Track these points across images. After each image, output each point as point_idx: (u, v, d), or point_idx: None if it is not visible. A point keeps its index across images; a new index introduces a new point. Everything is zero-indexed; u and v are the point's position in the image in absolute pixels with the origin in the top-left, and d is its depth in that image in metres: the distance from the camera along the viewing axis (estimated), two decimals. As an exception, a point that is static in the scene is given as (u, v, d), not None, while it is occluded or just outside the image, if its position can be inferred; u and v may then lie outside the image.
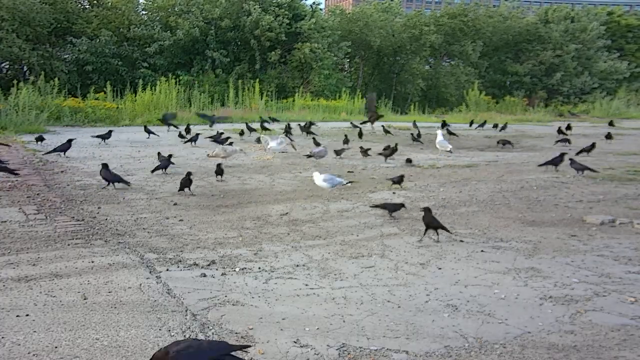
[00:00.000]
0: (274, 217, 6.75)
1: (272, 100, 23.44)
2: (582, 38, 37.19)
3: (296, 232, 6.12)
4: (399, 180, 8.39)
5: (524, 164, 11.23)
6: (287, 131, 14.31)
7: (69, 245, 5.30)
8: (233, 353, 3.07)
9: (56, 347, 3.33)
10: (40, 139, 11.76)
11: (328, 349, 3.46)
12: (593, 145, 12.34)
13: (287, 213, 6.95)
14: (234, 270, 4.81)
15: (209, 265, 4.92)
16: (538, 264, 5.18)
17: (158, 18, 27.43)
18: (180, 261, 4.99)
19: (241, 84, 23.59)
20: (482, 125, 18.86)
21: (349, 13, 33.00)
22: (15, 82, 16.85)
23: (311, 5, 29.13)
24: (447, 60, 36.35)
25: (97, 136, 12.68)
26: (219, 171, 8.79)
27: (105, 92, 20.04)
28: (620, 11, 44.34)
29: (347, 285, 4.55)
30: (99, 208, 6.83)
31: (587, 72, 36.64)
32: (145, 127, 14.28)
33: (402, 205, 6.82)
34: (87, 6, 27.39)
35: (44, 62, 23.22)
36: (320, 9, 30.78)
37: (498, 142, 14.44)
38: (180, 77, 24.36)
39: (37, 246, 5.22)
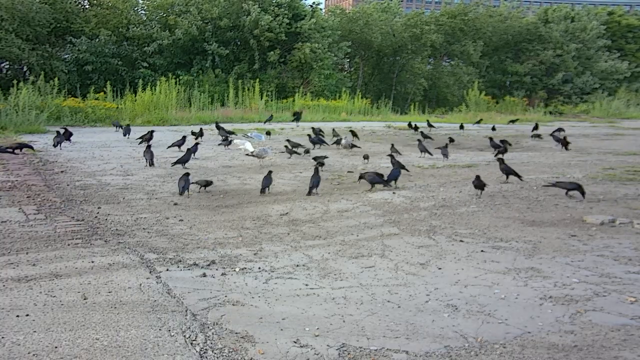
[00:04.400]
0: (274, 217, 6.75)
1: (272, 100, 23.44)
2: (582, 38, 37.21)
3: (296, 232, 6.12)
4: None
5: (523, 164, 11.23)
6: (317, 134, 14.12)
7: (69, 245, 5.30)
8: None
9: (56, 347, 3.33)
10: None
11: (328, 349, 3.46)
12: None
13: (287, 213, 6.95)
14: (234, 270, 4.81)
15: (209, 265, 4.92)
16: (538, 264, 5.18)
17: (157, 17, 27.44)
18: (180, 261, 4.99)
19: (241, 84, 23.60)
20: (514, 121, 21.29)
21: (348, 13, 33.00)
22: (15, 82, 16.84)
23: (311, 5, 29.12)
24: (448, 60, 36.36)
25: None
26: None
27: (105, 92, 20.04)
28: (620, 11, 44.34)
29: (347, 285, 4.55)
30: (99, 208, 6.83)
31: (589, 72, 36.66)
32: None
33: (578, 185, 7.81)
34: (87, 6, 27.38)
35: (43, 62, 23.22)
36: (320, 9, 30.77)
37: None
38: (180, 77, 24.37)
39: (37, 246, 5.22)
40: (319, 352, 3.41)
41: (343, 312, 4.01)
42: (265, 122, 18.03)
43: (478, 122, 20.60)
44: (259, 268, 4.90)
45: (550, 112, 28.48)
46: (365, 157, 10.93)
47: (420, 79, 32.35)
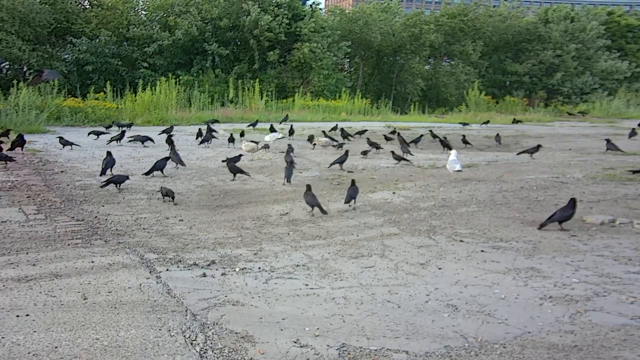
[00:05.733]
0: (274, 217, 6.75)
1: (271, 100, 23.45)
2: (581, 38, 37.21)
3: (296, 232, 6.12)
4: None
5: (524, 163, 11.23)
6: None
7: (69, 245, 5.30)
8: None
9: (56, 347, 3.33)
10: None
11: (328, 349, 3.46)
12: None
13: (287, 213, 6.95)
14: (234, 270, 4.81)
15: (209, 265, 4.92)
16: (538, 264, 5.18)
17: (157, 18, 27.46)
18: (180, 261, 4.99)
19: (241, 84, 23.60)
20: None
21: (348, 13, 33.00)
22: (15, 82, 16.85)
23: (310, 5, 29.13)
24: (447, 60, 36.34)
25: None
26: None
27: (105, 92, 20.05)
28: (620, 11, 44.33)
29: (347, 285, 4.55)
30: (99, 208, 6.83)
31: (588, 72, 36.66)
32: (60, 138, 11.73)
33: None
34: (87, 6, 27.41)
35: (43, 63, 23.23)
36: (320, 9, 30.78)
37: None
38: (180, 77, 24.38)
39: (37, 246, 5.22)
40: (319, 352, 3.41)
41: (343, 312, 4.01)
42: (280, 123, 18.01)
43: (486, 123, 20.62)
44: (259, 268, 4.90)
45: (569, 113, 28.46)
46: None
47: (419, 79, 32.35)
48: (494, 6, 40.09)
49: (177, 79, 23.28)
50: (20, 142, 10.65)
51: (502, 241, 5.89)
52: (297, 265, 5.00)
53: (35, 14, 23.06)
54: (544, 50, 35.95)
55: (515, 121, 22.37)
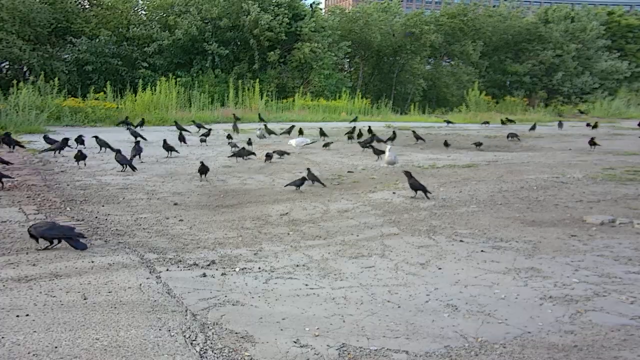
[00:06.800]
0: (274, 217, 6.75)
1: (272, 100, 23.45)
2: (581, 38, 37.22)
3: (296, 232, 6.12)
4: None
5: (523, 164, 11.23)
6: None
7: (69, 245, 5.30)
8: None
9: (56, 347, 3.33)
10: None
11: (328, 349, 3.46)
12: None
13: (287, 213, 6.95)
14: (234, 270, 4.81)
15: (209, 265, 4.92)
16: (538, 264, 5.18)
17: (157, 18, 27.46)
18: (180, 261, 4.99)
19: (241, 84, 23.60)
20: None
21: (348, 13, 33.01)
22: (15, 82, 16.87)
23: (311, 5, 29.12)
24: (447, 60, 36.36)
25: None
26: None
27: (105, 92, 20.06)
28: (620, 11, 44.35)
29: (347, 285, 4.55)
30: (99, 208, 6.83)
31: (588, 72, 36.67)
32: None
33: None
34: (87, 6, 27.42)
35: (43, 63, 23.24)
36: (320, 9, 30.78)
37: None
38: (180, 77, 24.38)
39: (37, 246, 5.21)
40: (319, 352, 3.41)
41: (343, 312, 4.01)
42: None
43: (486, 123, 20.58)
44: (259, 268, 4.90)
45: (581, 111, 28.52)
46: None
47: (419, 79, 32.36)
48: (494, 6, 40.10)
49: (177, 79, 23.30)
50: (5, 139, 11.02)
51: (502, 241, 5.89)
52: (297, 265, 5.00)
53: (35, 14, 23.08)
54: (544, 50, 35.97)
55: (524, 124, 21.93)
